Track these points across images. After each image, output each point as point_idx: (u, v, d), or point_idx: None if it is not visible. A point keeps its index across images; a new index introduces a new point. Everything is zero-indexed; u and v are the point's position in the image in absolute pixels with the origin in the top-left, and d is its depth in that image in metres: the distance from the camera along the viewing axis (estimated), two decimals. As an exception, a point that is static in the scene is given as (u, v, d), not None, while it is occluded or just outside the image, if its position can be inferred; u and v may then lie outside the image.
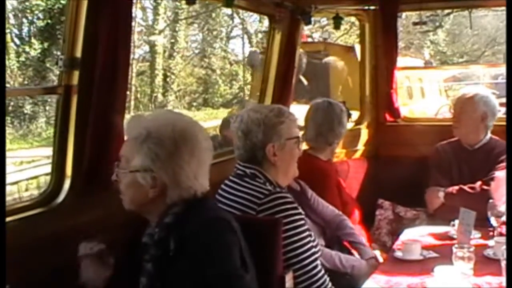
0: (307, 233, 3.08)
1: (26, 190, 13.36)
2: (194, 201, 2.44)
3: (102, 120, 2.91)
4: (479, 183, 4.28)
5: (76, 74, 2.95)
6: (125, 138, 2.54)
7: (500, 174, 4.20)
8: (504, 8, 4.26)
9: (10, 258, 2.45)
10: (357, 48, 15.52)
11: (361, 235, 4.13)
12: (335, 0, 5.15)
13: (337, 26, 5.32)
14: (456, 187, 4.34)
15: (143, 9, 27.16)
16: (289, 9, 4.58)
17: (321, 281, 3.05)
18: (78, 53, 2.95)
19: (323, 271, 3.09)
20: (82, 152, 2.93)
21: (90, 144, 2.92)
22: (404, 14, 5.84)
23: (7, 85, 19.51)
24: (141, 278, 2.44)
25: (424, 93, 17.60)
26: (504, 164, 4.26)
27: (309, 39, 17.28)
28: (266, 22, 20.79)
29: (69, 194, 2.93)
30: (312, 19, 4.90)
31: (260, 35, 26.64)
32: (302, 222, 3.07)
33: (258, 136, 3.20)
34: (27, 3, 22.44)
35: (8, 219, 2.68)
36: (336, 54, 15.02)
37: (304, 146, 4.16)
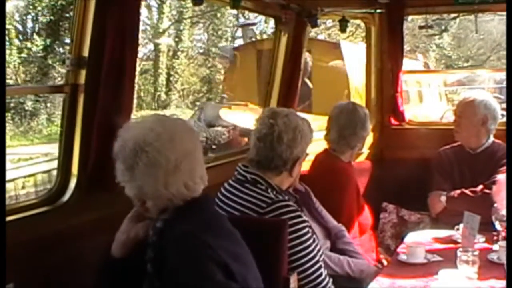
0: (311, 240, 3.07)
1: (23, 187, 13.32)
2: (183, 207, 2.40)
3: (108, 119, 2.91)
4: (480, 187, 4.28)
5: (83, 73, 2.96)
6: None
7: (502, 178, 4.21)
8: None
9: (15, 256, 2.46)
10: (344, 44, 15.21)
11: (371, 242, 4.14)
12: (342, 3, 5.15)
13: (343, 29, 5.32)
14: (458, 191, 4.34)
15: (149, 7, 27.16)
16: (295, 11, 4.58)
17: None
18: (85, 53, 2.95)
19: (327, 279, 3.09)
20: (88, 151, 2.93)
21: (96, 143, 2.92)
22: (410, 17, 5.84)
23: (10, 81, 19.49)
24: (145, 276, 2.44)
25: (422, 97, 17.40)
26: (506, 167, 4.27)
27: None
28: (271, 24, 20.79)
29: (74, 193, 2.93)
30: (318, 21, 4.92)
31: (265, 36, 26.59)
32: (307, 229, 3.06)
33: (289, 141, 3.18)
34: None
35: (13, 217, 2.69)
36: (320, 52, 14.30)
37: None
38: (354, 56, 14.00)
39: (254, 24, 18.24)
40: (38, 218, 2.81)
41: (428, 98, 17.57)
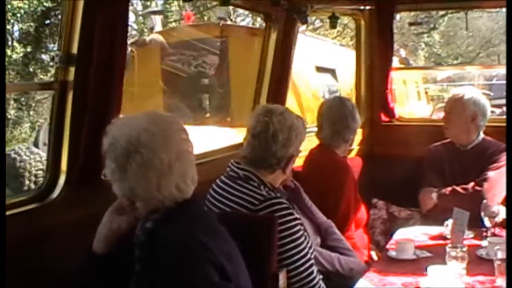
0: (303, 238, 3.07)
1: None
2: (174, 208, 2.37)
3: (97, 116, 2.91)
4: (471, 184, 4.30)
5: (72, 71, 2.95)
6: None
7: (493, 175, 4.23)
8: (499, 9, 4.28)
9: (5, 253, 2.45)
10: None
11: (363, 239, 4.15)
12: (331, 0, 5.16)
13: (333, 26, 5.34)
14: (449, 188, 4.36)
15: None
16: (285, 8, 4.58)
17: (316, 287, 3.06)
18: (75, 50, 2.94)
19: (318, 276, 3.10)
20: (77, 147, 2.92)
21: (85, 140, 2.92)
22: (398, 16, 5.86)
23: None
24: (133, 276, 2.43)
25: (393, 95, 17.01)
26: (496, 164, 4.30)
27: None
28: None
29: (64, 190, 2.92)
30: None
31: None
32: (298, 227, 3.06)
33: (284, 138, 3.18)
34: (9, 6, 22.15)
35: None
36: (239, 40, 11.32)
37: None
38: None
39: (160, 12, 14.71)
40: (27, 215, 2.80)
41: (403, 96, 17.23)
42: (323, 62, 12.89)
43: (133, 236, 2.43)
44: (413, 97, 17.11)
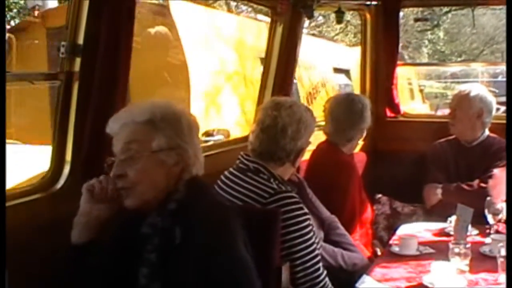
0: (311, 234, 3.06)
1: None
2: (195, 186, 2.41)
3: (103, 106, 2.90)
4: (477, 181, 4.29)
5: (78, 61, 2.94)
6: (130, 125, 2.44)
7: (499, 172, 4.22)
8: (502, 6, 4.27)
9: (9, 243, 2.45)
10: (176, 8, 8.97)
11: (367, 235, 4.14)
12: (338, -6, 5.15)
13: (339, 21, 5.31)
14: (454, 184, 4.36)
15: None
16: (291, 2, 4.57)
17: (322, 283, 3.05)
18: (81, 40, 2.94)
19: (324, 272, 3.09)
20: (82, 137, 2.92)
21: (90, 130, 2.91)
22: (401, 13, 5.85)
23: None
24: (142, 268, 2.39)
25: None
26: (502, 161, 4.28)
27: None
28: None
29: (68, 180, 2.92)
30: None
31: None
32: (308, 222, 3.05)
33: (293, 131, 3.17)
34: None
35: (6, 204, 2.68)
36: (141, 21, 8.78)
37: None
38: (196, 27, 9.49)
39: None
40: (32, 205, 2.80)
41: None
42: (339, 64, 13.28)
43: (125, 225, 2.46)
44: (405, 96, 15.94)
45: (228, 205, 2.45)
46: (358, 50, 6.00)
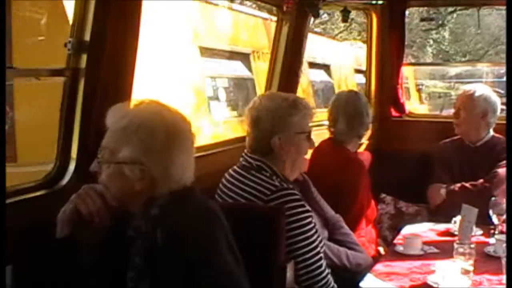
0: (313, 230, 3.07)
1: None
2: (180, 192, 2.36)
3: (108, 103, 2.88)
4: (481, 180, 4.29)
5: (84, 58, 2.94)
6: (109, 128, 2.44)
7: (503, 172, 4.22)
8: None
9: (13, 239, 2.45)
10: None
11: (371, 234, 4.14)
12: (344, -6, 5.15)
13: (345, 20, 5.32)
14: (458, 184, 4.36)
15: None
16: (297, 1, 4.56)
17: (324, 280, 3.05)
18: (87, 37, 2.93)
19: (327, 270, 3.09)
20: (87, 134, 2.92)
21: (96, 127, 2.91)
22: (406, 12, 5.83)
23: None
24: (128, 272, 2.37)
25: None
26: (506, 161, 4.28)
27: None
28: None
29: (73, 177, 2.92)
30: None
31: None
32: (309, 219, 3.06)
33: (266, 126, 3.17)
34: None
35: (11, 200, 2.68)
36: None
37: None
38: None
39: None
40: (37, 201, 2.80)
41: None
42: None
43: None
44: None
45: (213, 210, 2.35)
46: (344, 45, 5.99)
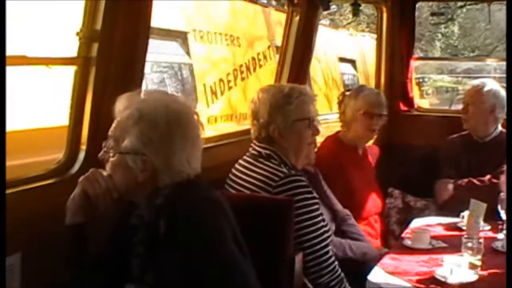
0: (320, 217, 3.08)
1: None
2: (185, 182, 2.36)
3: (119, 92, 2.89)
4: (488, 176, 4.28)
5: (95, 47, 2.94)
6: (116, 117, 2.46)
7: (511, 168, 4.21)
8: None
9: (23, 226, 2.47)
10: None
11: (375, 228, 4.15)
12: (354, -14, 5.12)
13: (355, 13, 5.32)
14: (466, 180, 4.34)
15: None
16: (307, -7, 4.56)
17: (331, 267, 3.06)
18: (98, 26, 2.93)
19: (333, 257, 3.10)
20: (98, 123, 2.92)
21: (106, 116, 2.91)
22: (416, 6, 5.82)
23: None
24: (133, 260, 2.39)
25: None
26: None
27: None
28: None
29: (83, 165, 2.91)
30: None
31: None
32: (316, 206, 3.08)
33: (264, 117, 3.22)
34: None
35: (21, 188, 2.69)
36: None
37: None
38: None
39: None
40: (47, 189, 2.81)
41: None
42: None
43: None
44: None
45: (218, 201, 2.35)
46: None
